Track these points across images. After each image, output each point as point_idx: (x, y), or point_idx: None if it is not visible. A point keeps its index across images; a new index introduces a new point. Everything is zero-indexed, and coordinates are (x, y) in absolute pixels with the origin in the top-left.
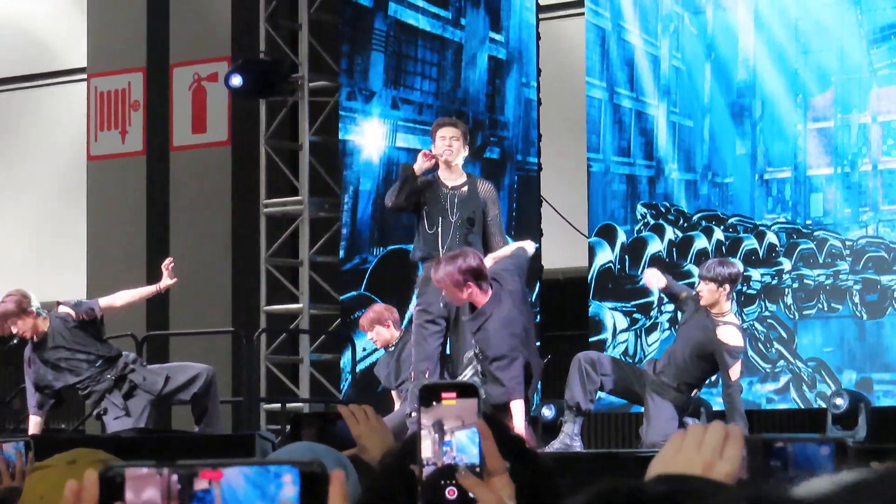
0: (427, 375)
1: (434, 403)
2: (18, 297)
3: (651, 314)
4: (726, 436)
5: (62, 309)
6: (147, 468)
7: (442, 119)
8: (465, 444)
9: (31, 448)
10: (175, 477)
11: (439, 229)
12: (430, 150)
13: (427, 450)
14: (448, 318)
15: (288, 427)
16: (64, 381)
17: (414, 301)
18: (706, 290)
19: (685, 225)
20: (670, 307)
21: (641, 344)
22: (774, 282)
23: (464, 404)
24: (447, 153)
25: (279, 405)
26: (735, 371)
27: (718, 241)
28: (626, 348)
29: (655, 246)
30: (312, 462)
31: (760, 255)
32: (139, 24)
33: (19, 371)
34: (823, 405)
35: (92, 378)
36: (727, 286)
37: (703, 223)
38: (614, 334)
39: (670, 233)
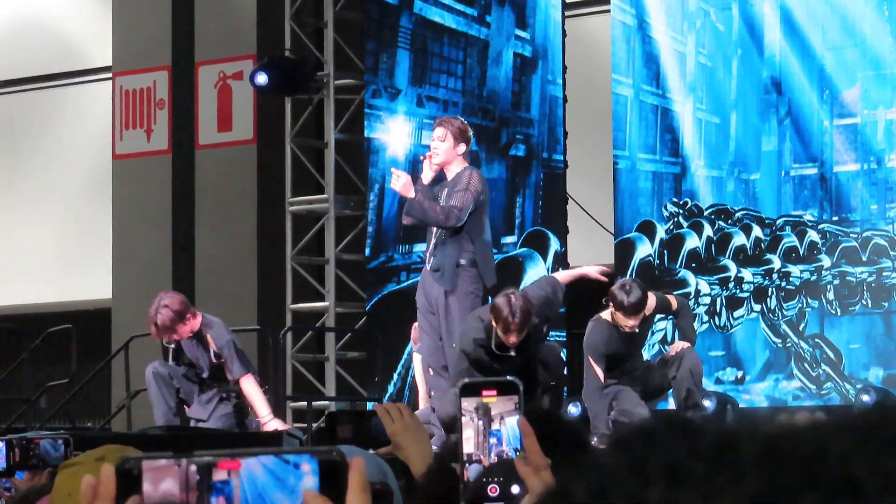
0: (431, 372)
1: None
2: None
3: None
4: None
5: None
6: (165, 460)
7: (436, 119)
8: (517, 434)
9: (71, 444)
10: (193, 468)
11: (435, 227)
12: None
13: (469, 447)
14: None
15: (322, 423)
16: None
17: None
18: (639, 320)
19: (726, 222)
20: (705, 300)
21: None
22: (814, 278)
23: (504, 401)
24: (435, 157)
25: (305, 403)
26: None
27: (757, 237)
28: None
29: (693, 242)
30: (331, 450)
31: (801, 252)
32: (164, 23)
33: (44, 372)
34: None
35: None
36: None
37: (745, 220)
38: None
39: (707, 230)
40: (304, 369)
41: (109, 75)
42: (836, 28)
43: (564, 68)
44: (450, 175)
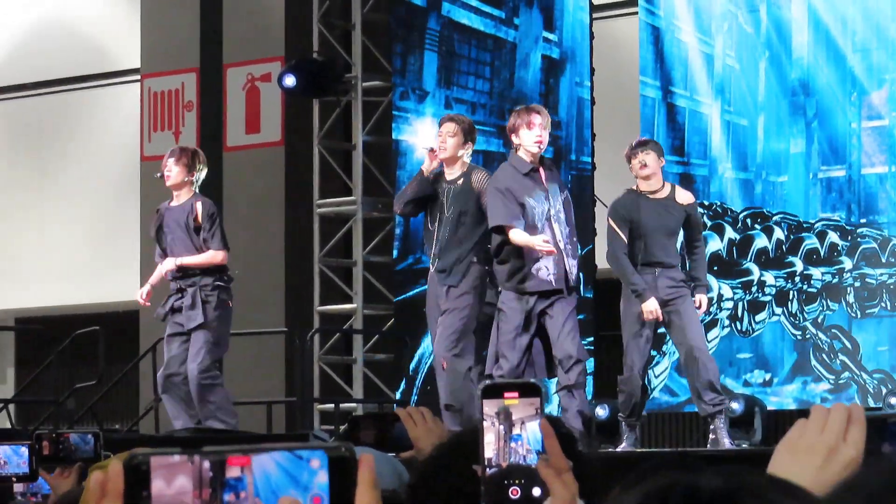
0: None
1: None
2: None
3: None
4: (849, 418)
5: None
6: (175, 456)
7: (443, 116)
8: (538, 438)
9: (101, 439)
10: (207, 464)
11: (437, 225)
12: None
13: (490, 450)
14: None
15: (345, 427)
16: None
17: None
18: (651, 160)
19: (743, 225)
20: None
21: None
22: (835, 280)
23: (525, 404)
24: (441, 150)
25: (332, 405)
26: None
27: (778, 240)
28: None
29: (715, 245)
30: (340, 446)
31: (822, 254)
32: (192, 25)
33: (71, 372)
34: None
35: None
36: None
37: (762, 223)
38: None
39: (729, 232)
40: (331, 371)
41: (138, 77)
42: (865, 30)
43: (592, 70)
44: (450, 174)
